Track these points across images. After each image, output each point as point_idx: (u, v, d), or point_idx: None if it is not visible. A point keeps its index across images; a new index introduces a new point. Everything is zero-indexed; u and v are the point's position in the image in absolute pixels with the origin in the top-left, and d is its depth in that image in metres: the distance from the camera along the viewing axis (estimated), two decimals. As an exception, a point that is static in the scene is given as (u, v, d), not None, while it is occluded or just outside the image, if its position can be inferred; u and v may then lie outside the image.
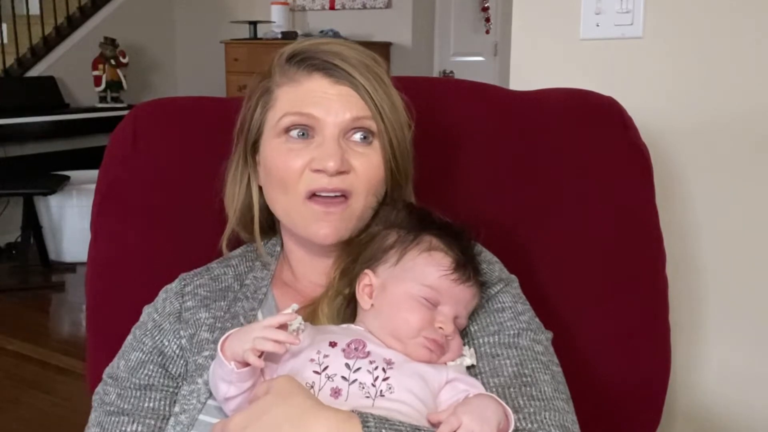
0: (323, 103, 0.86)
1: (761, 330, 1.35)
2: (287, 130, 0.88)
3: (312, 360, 0.77)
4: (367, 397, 0.74)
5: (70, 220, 4.09)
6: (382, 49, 4.88)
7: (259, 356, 0.75)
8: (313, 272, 0.93)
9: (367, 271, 0.85)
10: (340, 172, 0.85)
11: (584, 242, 1.11)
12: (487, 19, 5.15)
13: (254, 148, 0.93)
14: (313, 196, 0.86)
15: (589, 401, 1.06)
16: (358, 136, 0.87)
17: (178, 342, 0.89)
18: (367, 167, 0.87)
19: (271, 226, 0.98)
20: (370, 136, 0.88)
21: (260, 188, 0.94)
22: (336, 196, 0.86)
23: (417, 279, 0.82)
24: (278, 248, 0.98)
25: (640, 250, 1.12)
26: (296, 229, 0.90)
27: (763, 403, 1.36)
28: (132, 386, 0.88)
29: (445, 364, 0.81)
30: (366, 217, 0.89)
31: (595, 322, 1.10)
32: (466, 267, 0.83)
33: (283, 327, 0.77)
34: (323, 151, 0.85)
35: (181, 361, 0.89)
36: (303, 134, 0.87)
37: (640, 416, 1.12)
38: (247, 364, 0.76)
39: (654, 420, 1.13)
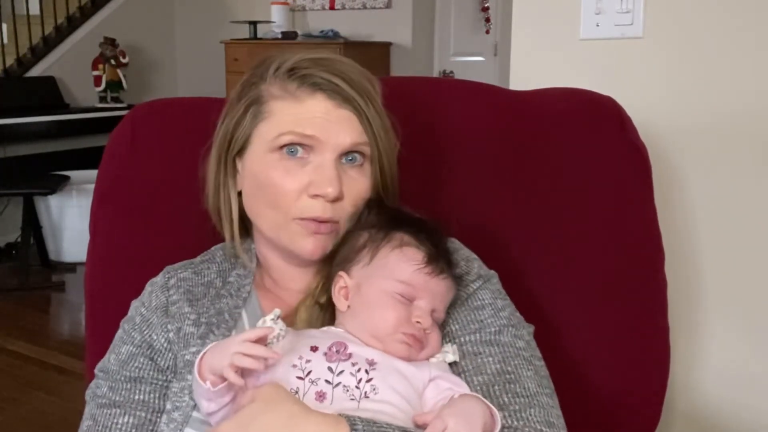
0: (325, 125, 0.85)
1: (760, 330, 1.35)
2: (284, 147, 0.87)
3: (294, 366, 0.76)
4: (352, 399, 0.74)
5: (70, 220, 4.09)
6: (382, 49, 4.88)
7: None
8: (294, 281, 0.93)
9: (341, 272, 0.85)
10: (335, 199, 0.85)
11: (583, 241, 1.11)
12: (487, 19, 5.15)
13: (238, 155, 0.92)
14: (304, 219, 0.86)
15: (588, 401, 1.06)
16: (351, 160, 0.87)
17: (165, 336, 0.90)
18: (356, 193, 0.87)
19: (246, 229, 0.97)
20: (360, 158, 0.88)
21: (238, 193, 0.93)
22: (328, 227, 0.86)
23: (391, 276, 0.82)
24: (253, 264, 0.97)
25: (638, 250, 1.12)
26: (281, 243, 0.89)
27: (762, 403, 1.36)
28: (123, 379, 0.89)
29: (428, 360, 0.81)
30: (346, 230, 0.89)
31: (593, 322, 1.10)
32: (439, 260, 0.83)
33: (261, 340, 0.76)
34: (323, 176, 0.85)
35: (170, 354, 0.89)
36: (297, 152, 0.86)
37: (639, 416, 1.12)
38: (225, 379, 0.75)
39: (653, 420, 1.13)
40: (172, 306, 0.92)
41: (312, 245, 0.87)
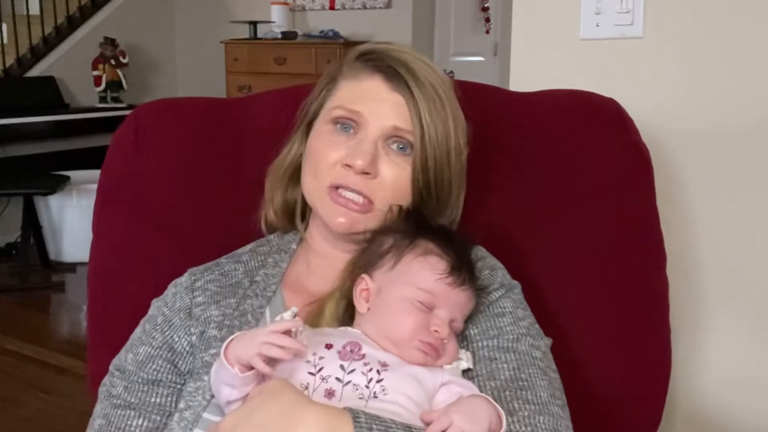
0: (374, 104, 0.89)
1: (762, 331, 1.35)
2: (336, 121, 0.90)
3: (307, 361, 0.77)
4: (360, 398, 0.74)
5: (70, 220, 4.09)
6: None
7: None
8: (328, 263, 0.94)
9: (363, 275, 0.86)
10: (365, 173, 0.87)
11: (584, 243, 1.11)
12: (487, 19, 5.15)
13: (308, 128, 0.96)
14: (336, 189, 0.89)
15: (588, 402, 1.06)
16: (396, 145, 0.89)
17: (188, 339, 0.90)
18: (395, 177, 0.89)
19: (291, 219, 1.00)
20: (410, 149, 0.89)
21: None
22: (358, 202, 0.88)
23: (412, 283, 0.82)
24: (294, 246, 0.99)
25: (640, 251, 1.12)
26: (318, 212, 0.92)
27: (763, 404, 1.36)
28: (139, 380, 0.89)
29: (441, 367, 0.81)
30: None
31: (594, 323, 1.10)
32: (461, 271, 0.83)
33: (288, 333, 0.76)
34: (357, 149, 0.87)
35: (191, 358, 0.89)
36: (348, 129, 0.90)
37: (639, 418, 1.12)
38: (250, 368, 0.76)
39: (654, 422, 1.13)
40: (196, 308, 0.91)
41: (341, 218, 0.89)
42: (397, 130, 0.88)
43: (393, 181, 0.88)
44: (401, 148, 0.89)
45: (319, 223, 0.95)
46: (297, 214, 0.99)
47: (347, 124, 0.90)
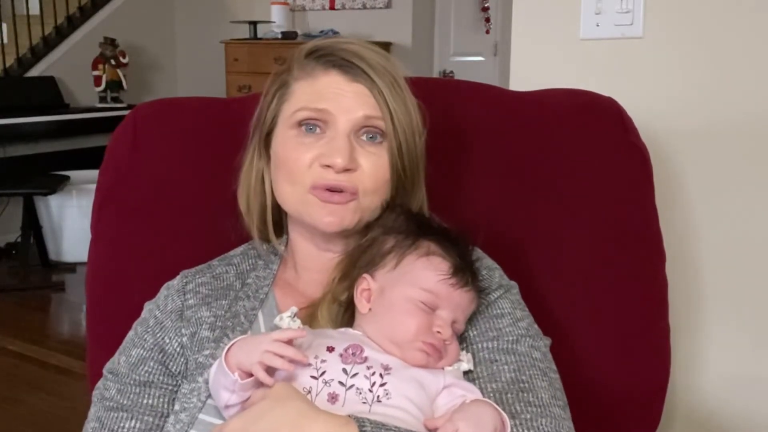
0: (337, 99, 0.87)
1: (761, 331, 1.35)
2: (300, 123, 0.88)
3: (309, 365, 0.76)
4: (364, 402, 0.74)
5: (70, 220, 4.09)
6: (382, 49, 4.84)
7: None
8: (316, 267, 0.93)
9: (365, 275, 0.85)
10: (347, 170, 0.86)
11: (583, 242, 1.11)
12: (487, 19, 5.16)
13: (267, 139, 0.94)
14: (318, 187, 0.87)
15: (588, 403, 1.06)
16: (366, 135, 0.88)
17: (179, 340, 0.90)
18: (374, 167, 0.88)
19: (277, 223, 0.98)
20: (380, 137, 0.89)
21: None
22: (341, 192, 0.86)
23: (415, 283, 0.82)
24: (282, 247, 0.98)
25: (639, 251, 1.12)
26: (302, 218, 0.90)
27: (763, 405, 1.36)
28: (132, 382, 0.89)
29: (443, 369, 0.81)
30: (372, 214, 0.89)
31: (593, 323, 1.10)
32: (464, 272, 0.83)
33: (290, 341, 0.76)
34: (332, 147, 0.86)
35: (182, 359, 0.89)
36: (314, 129, 0.88)
37: (638, 419, 1.12)
38: (250, 375, 0.75)
39: (653, 422, 1.13)
40: (187, 310, 0.91)
41: (328, 216, 0.87)
42: (367, 119, 0.87)
43: (373, 171, 0.87)
44: (371, 137, 0.88)
45: (302, 229, 0.94)
46: (270, 230, 0.96)
47: (313, 124, 0.88)
